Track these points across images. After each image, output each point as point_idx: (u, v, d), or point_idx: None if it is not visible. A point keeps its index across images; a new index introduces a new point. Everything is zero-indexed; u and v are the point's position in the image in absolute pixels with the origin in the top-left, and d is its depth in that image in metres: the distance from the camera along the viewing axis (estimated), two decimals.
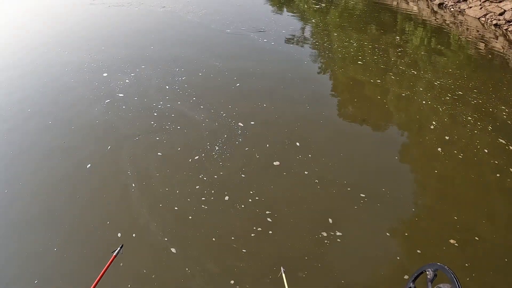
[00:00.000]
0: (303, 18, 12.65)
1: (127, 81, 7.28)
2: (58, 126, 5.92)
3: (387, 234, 4.08)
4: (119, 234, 4.00)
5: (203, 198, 4.46)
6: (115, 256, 2.57)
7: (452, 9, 13.72)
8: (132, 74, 7.54)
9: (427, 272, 1.64)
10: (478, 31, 11.41)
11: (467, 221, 4.21)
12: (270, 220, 4.19)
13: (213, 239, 3.97)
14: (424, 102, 6.63)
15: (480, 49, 9.91)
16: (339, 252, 3.86)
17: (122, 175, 4.84)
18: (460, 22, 12.42)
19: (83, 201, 4.48)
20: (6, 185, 4.77)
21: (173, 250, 3.84)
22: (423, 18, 12.87)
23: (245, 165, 5.00)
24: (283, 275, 2.75)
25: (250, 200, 4.44)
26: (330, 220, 4.19)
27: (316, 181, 4.74)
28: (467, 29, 11.68)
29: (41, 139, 5.65)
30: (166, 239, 3.96)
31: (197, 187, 4.62)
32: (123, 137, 5.60)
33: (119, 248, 2.63)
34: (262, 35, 10.00)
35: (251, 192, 4.55)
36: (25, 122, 6.01)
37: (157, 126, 5.85)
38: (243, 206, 4.35)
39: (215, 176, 4.78)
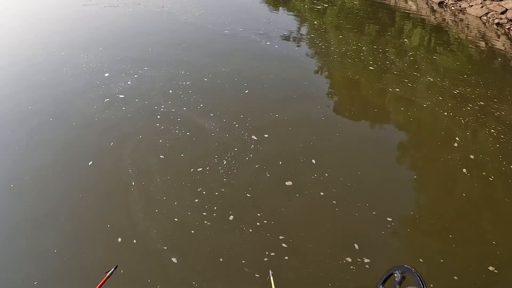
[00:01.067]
0: (303, 19, 12.22)
1: (129, 82, 7.08)
2: (59, 123, 5.92)
3: (421, 260, 3.75)
4: (119, 239, 3.93)
5: (204, 213, 4.16)
6: (108, 276, 2.54)
7: (452, 8, 13.44)
8: (135, 76, 7.30)
9: (395, 275, 1.65)
10: (480, 30, 11.15)
11: (507, 247, 3.90)
12: (285, 246, 3.85)
13: (220, 259, 3.68)
14: (446, 113, 6.26)
15: (486, 51, 9.61)
16: (366, 279, 3.53)
17: (123, 176, 4.77)
18: (461, 20, 12.16)
19: (85, 202, 4.43)
20: (12, 181, 4.79)
21: (174, 259, 3.70)
22: (427, 18, 12.53)
23: (252, 185, 4.62)
24: (271, 278, 2.69)
25: (258, 223, 4.10)
26: (356, 246, 3.84)
27: (334, 202, 4.37)
28: (468, 28, 11.40)
29: (44, 135, 5.66)
30: (165, 247, 3.82)
31: (196, 200, 4.36)
32: (125, 137, 5.52)
33: (113, 269, 2.60)
34: (264, 37, 9.60)
35: (258, 214, 4.21)
36: (27, 120, 6.00)
37: (165, 128, 5.67)
38: (250, 230, 4.01)
39: (216, 193, 4.46)
